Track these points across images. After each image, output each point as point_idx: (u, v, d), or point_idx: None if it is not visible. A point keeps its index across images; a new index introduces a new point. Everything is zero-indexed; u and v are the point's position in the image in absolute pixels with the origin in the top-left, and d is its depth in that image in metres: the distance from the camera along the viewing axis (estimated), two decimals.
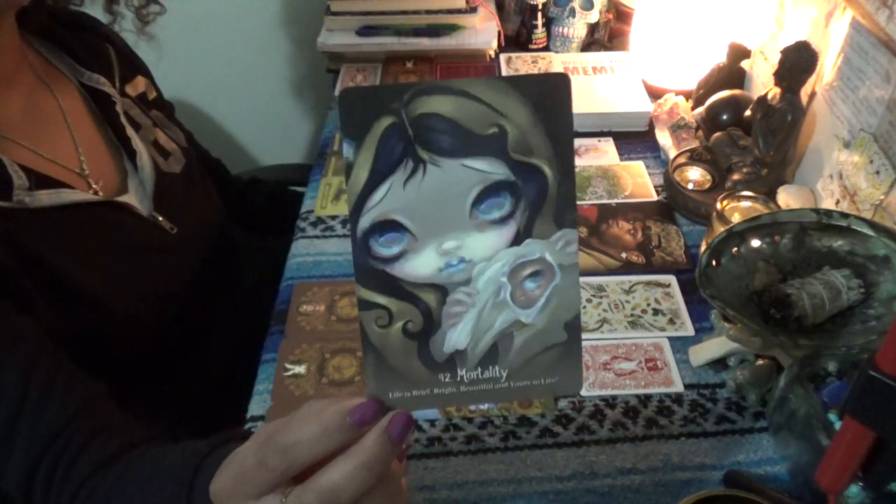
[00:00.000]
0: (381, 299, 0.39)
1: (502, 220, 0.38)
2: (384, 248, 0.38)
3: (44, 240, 0.62)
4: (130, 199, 0.73)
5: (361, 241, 0.38)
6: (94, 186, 0.71)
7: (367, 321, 0.39)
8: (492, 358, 0.40)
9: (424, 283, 0.39)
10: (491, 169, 0.38)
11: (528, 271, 0.39)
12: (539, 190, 0.38)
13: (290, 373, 0.71)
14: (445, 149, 0.37)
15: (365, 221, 0.38)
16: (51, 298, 0.62)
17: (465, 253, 0.39)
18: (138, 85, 0.83)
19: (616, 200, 0.92)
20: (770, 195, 0.83)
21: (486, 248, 0.39)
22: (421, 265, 0.39)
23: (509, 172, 0.38)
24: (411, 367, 0.39)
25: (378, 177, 0.37)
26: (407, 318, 0.39)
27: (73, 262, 0.64)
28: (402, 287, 0.39)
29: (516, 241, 0.39)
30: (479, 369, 0.40)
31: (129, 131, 0.76)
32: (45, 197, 0.63)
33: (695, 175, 0.92)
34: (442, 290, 0.39)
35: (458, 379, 0.40)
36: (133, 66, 0.85)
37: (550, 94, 0.37)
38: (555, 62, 1.16)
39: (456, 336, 0.40)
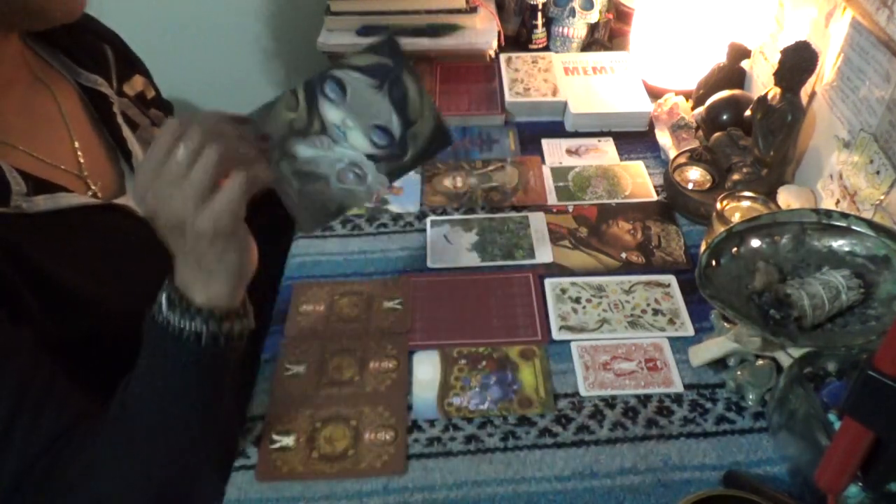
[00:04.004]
0: None
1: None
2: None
3: (41, 245, 0.62)
4: (128, 200, 0.73)
5: None
6: (94, 188, 0.71)
7: None
8: None
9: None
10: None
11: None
12: None
13: (290, 373, 0.71)
14: None
15: None
16: (48, 304, 0.62)
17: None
18: (136, 84, 0.83)
19: (616, 200, 0.92)
20: (770, 195, 0.83)
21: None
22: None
23: None
24: None
25: None
26: None
27: (71, 267, 0.64)
28: None
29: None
30: None
31: (126, 132, 0.76)
32: (43, 202, 0.63)
33: (695, 175, 0.92)
34: None
35: None
36: (131, 65, 0.85)
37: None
38: (555, 62, 1.16)
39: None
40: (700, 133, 0.99)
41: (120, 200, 0.72)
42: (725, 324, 0.71)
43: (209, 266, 0.53)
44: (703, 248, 0.82)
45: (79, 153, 0.71)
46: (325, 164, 0.60)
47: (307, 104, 0.59)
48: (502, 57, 1.18)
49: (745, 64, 1.04)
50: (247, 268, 0.56)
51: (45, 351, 0.61)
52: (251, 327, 0.60)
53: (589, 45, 1.21)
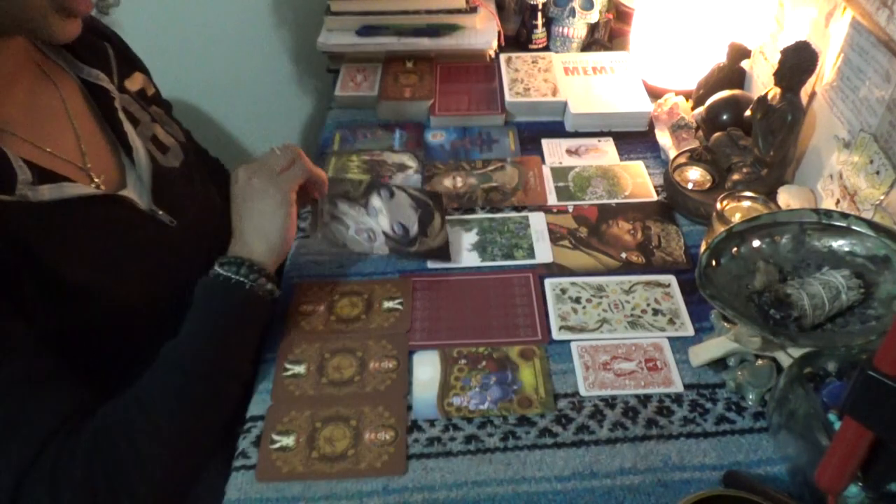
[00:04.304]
0: None
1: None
2: None
3: (44, 234, 0.63)
4: (129, 193, 0.73)
5: None
6: (97, 180, 0.71)
7: None
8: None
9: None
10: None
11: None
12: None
13: (289, 372, 0.72)
14: None
15: None
16: (49, 292, 0.63)
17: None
18: (137, 81, 0.84)
19: (616, 200, 0.92)
20: (770, 195, 0.83)
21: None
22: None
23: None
24: None
25: None
26: None
27: (73, 256, 0.65)
28: None
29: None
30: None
31: (127, 126, 0.77)
32: (47, 191, 0.64)
33: (695, 175, 0.92)
34: None
35: None
36: (131, 63, 0.85)
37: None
38: (555, 62, 1.16)
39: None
40: (700, 133, 0.99)
41: (121, 192, 0.72)
42: (725, 324, 0.71)
43: (255, 218, 0.72)
44: (703, 248, 0.82)
45: (82, 146, 0.72)
46: (351, 219, 0.83)
47: (365, 190, 0.85)
48: (502, 57, 1.18)
49: (745, 64, 1.04)
50: (282, 241, 0.72)
51: (46, 341, 0.61)
52: (276, 294, 0.72)
53: (589, 45, 1.21)
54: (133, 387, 0.62)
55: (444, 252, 0.83)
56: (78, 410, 0.59)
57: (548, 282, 0.81)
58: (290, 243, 0.73)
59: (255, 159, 0.76)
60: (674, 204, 0.91)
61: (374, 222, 0.82)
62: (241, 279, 0.68)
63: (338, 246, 0.81)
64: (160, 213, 0.76)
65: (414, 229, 0.83)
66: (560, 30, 1.20)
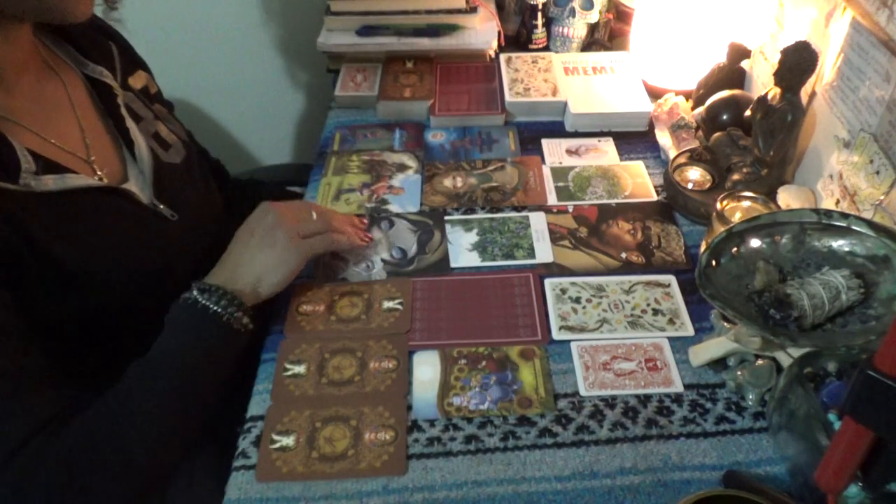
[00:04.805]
0: None
1: None
2: None
3: (46, 223, 0.63)
4: (131, 186, 0.74)
5: None
6: (100, 173, 0.72)
7: None
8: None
9: None
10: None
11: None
12: None
13: (289, 373, 0.72)
14: None
15: None
16: (49, 281, 0.64)
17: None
18: (139, 79, 0.84)
19: (616, 200, 0.92)
20: (770, 195, 0.83)
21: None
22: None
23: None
24: None
25: None
26: None
27: (74, 246, 0.65)
28: None
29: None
30: None
31: (129, 122, 0.78)
32: (51, 181, 0.65)
33: (695, 175, 0.92)
34: None
35: None
36: (134, 62, 0.86)
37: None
38: (555, 62, 1.16)
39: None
40: (700, 133, 0.99)
41: (124, 186, 0.73)
42: (725, 324, 0.71)
43: (258, 261, 0.72)
44: (703, 248, 0.82)
45: (86, 139, 0.73)
46: (351, 255, 0.85)
47: (368, 227, 0.88)
48: (502, 57, 1.18)
49: (745, 64, 1.04)
50: (269, 293, 0.73)
51: (46, 332, 0.62)
52: (250, 328, 0.70)
53: (589, 45, 1.21)
54: (102, 403, 0.61)
55: (443, 265, 0.84)
56: (54, 419, 0.58)
57: (548, 282, 0.81)
58: (273, 294, 0.74)
59: (289, 206, 0.77)
60: (674, 204, 0.91)
61: (373, 252, 0.85)
62: (219, 310, 0.67)
63: (336, 281, 0.82)
64: (161, 206, 0.76)
65: (412, 250, 0.85)
66: (560, 30, 1.20)
